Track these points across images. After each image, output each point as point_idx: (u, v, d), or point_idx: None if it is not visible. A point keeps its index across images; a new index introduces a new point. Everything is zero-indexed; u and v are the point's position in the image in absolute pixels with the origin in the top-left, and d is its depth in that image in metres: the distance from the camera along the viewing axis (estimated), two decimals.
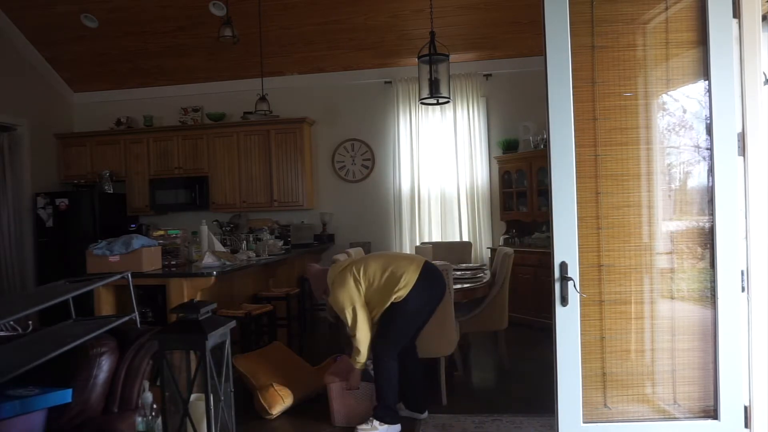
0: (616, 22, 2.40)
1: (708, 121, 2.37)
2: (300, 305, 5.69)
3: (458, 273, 4.73)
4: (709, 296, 2.42)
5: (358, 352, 3.34)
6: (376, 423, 3.31)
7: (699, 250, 2.47)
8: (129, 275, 2.67)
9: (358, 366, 3.39)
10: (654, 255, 2.46)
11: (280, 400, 3.62)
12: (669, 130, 2.51)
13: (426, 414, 3.56)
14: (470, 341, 5.14)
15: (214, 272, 4.14)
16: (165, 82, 7.22)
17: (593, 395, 2.45)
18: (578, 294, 2.37)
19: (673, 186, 2.49)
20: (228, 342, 2.14)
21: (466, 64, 6.61)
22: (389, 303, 3.32)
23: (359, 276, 3.35)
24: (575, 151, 2.38)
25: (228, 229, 6.62)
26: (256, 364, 3.85)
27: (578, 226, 2.38)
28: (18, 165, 6.61)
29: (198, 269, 4.31)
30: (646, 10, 2.41)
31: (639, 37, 2.43)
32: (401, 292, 3.31)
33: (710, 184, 2.38)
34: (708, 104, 2.36)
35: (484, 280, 4.37)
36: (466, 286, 4.16)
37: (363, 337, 3.33)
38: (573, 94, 2.36)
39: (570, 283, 2.33)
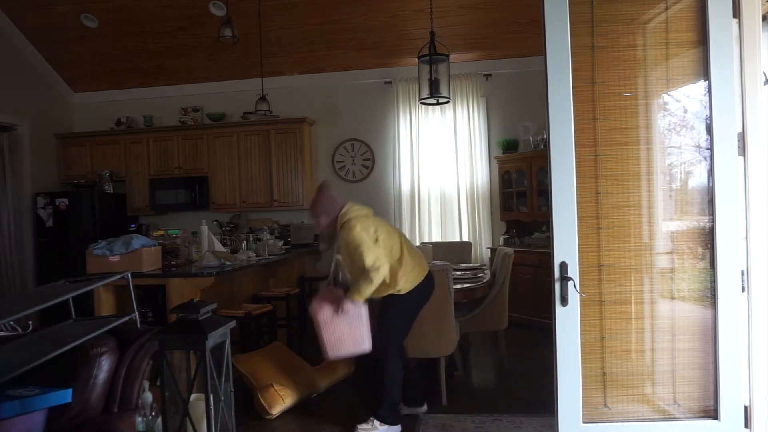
0: (616, 22, 2.40)
1: (708, 121, 2.37)
2: (300, 305, 5.69)
3: (458, 273, 4.73)
4: (709, 296, 2.42)
5: (370, 282, 3.18)
6: (376, 423, 3.31)
7: (699, 250, 2.47)
8: (129, 275, 2.68)
9: (358, 299, 3.26)
10: (654, 255, 2.46)
11: (280, 400, 3.62)
12: (669, 130, 2.51)
13: (425, 407, 3.57)
14: (470, 341, 5.14)
15: (214, 272, 4.14)
16: (165, 82, 7.22)
17: (593, 395, 2.45)
18: (578, 294, 2.37)
19: (673, 186, 2.49)
20: (228, 342, 2.15)
21: (466, 64, 6.61)
22: (388, 293, 3.33)
23: (377, 235, 3.29)
24: (575, 151, 2.38)
25: (228, 229, 6.62)
26: (256, 364, 3.85)
27: (578, 226, 2.38)
28: (18, 165, 6.61)
29: (198, 269, 4.31)
30: (646, 10, 2.41)
31: (639, 37, 2.43)
32: (405, 285, 3.33)
33: (710, 184, 2.39)
34: (708, 104, 2.36)
35: (484, 280, 4.37)
36: (466, 286, 4.16)
37: (385, 270, 3.22)
38: (573, 94, 2.36)
39: (570, 283, 2.33)
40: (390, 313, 3.37)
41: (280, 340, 4.65)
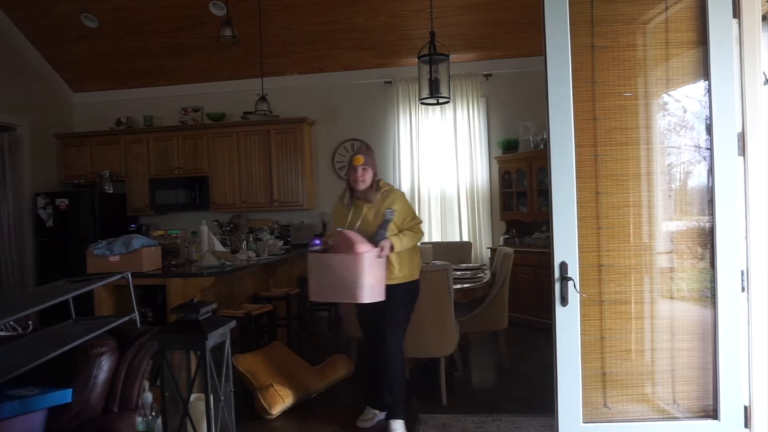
0: (616, 22, 2.40)
1: (708, 121, 2.37)
2: (300, 305, 5.69)
3: (458, 273, 4.72)
4: (709, 296, 2.42)
5: (415, 238, 3.34)
6: (399, 423, 3.31)
7: (699, 250, 2.47)
8: (129, 275, 2.67)
9: (398, 248, 3.23)
10: (654, 255, 2.46)
11: (280, 400, 3.62)
12: (669, 130, 2.51)
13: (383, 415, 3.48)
14: (470, 341, 5.14)
15: (214, 272, 4.14)
16: (165, 82, 7.22)
17: (593, 395, 2.45)
18: (578, 294, 2.37)
19: (673, 186, 2.49)
20: (228, 342, 2.14)
21: (466, 64, 6.61)
22: (403, 278, 3.35)
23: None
24: (575, 151, 2.38)
25: (228, 229, 6.62)
26: (256, 364, 3.85)
27: (578, 226, 2.38)
28: (18, 165, 6.61)
29: (198, 269, 4.31)
30: (646, 10, 2.41)
31: (639, 37, 2.43)
32: (416, 272, 3.45)
33: (710, 184, 2.39)
34: (708, 104, 2.36)
35: (484, 280, 4.37)
36: (466, 286, 4.16)
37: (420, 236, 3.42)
38: (573, 94, 2.36)
39: (570, 283, 2.33)
40: (401, 305, 3.36)
41: (280, 340, 4.65)
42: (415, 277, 3.43)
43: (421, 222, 3.43)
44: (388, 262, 3.26)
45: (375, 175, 3.38)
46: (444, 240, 6.59)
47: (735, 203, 2.35)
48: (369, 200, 3.33)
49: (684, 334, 2.47)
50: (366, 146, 3.52)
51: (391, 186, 3.47)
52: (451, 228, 6.74)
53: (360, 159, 3.32)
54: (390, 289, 3.26)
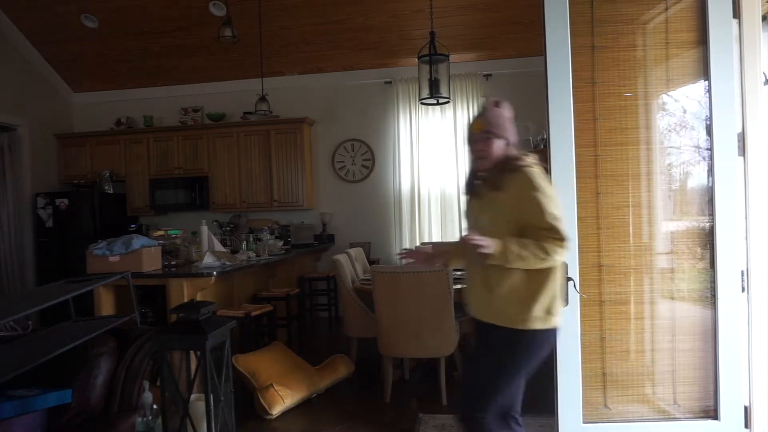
0: (616, 22, 2.40)
1: (708, 121, 2.37)
2: (300, 305, 5.68)
3: (458, 273, 4.72)
4: (709, 296, 2.42)
5: (547, 260, 1.97)
6: None
7: (699, 250, 2.47)
8: (129, 275, 2.68)
9: (496, 255, 2.00)
10: (654, 255, 2.46)
11: (280, 400, 3.62)
12: (669, 131, 2.51)
13: None
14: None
15: (214, 272, 4.13)
16: (165, 82, 7.22)
17: (593, 395, 2.45)
18: (578, 294, 2.37)
19: (673, 186, 2.50)
20: (228, 342, 2.15)
21: (466, 64, 6.60)
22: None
23: None
24: (575, 151, 2.39)
25: (228, 229, 6.62)
26: (256, 364, 3.85)
27: (578, 226, 2.38)
28: (18, 165, 6.60)
29: (198, 269, 4.30)
30: (646, 10, 2.41)
31: (639, 37, 2.43)
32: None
33: (710, 184, 2.39)
34: (708, 104, 2.36)
35: None
36: (466, 286, 4.15)
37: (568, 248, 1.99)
38: (573, 94, 2.37)
39: (570, 283, 2.32)
40: (499, 363, 2.08)
41: (280, 340, 4.65)
42: (532, 324, 2.01)
43: (556, 232, 1.94)
44: (483, 279, 2.14)
45: (509, 143, 2.18)
46: (444, 240, 6.59)
47: (735, 203, 2.35)
48: (497, 186, 2.11)
49: (684, 335, 2.47)
50: (495, 102, 2.14)
51: (532, 162, 2.14)
52: (451, 228, 6.73)
53: (480, 124, 2.16)
54: (485, 330, 2.16)
